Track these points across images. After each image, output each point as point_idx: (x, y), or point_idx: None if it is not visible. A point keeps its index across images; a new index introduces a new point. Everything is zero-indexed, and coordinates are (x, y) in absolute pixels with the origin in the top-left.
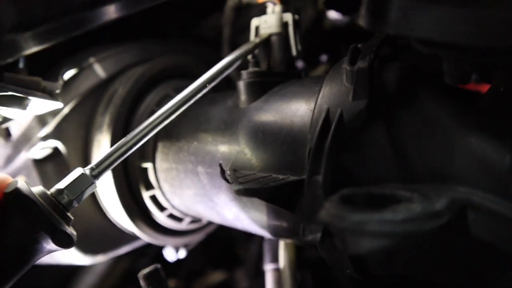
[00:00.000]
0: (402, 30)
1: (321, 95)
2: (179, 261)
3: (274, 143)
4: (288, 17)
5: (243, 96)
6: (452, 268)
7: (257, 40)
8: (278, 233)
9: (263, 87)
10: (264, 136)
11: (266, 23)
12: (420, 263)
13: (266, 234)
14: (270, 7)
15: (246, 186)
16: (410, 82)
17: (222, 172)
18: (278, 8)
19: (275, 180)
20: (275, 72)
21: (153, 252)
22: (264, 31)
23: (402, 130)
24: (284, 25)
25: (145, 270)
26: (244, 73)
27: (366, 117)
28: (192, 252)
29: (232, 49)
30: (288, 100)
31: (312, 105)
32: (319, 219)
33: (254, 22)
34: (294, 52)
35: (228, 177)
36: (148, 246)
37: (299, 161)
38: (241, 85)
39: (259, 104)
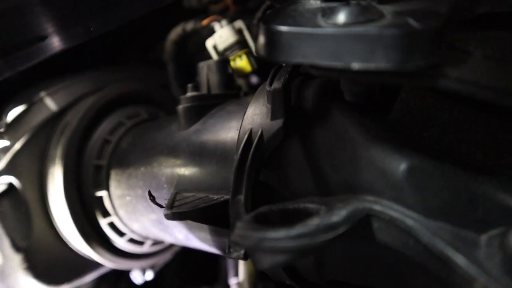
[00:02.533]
0: (291, 58)
1: (245, 116)
2: (157, 281)
3: (209, 164)
4: (240, 24)
5: (182, 121)
6: (379, 275)
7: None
8: (224, 250)
9: (201, 110)
10: (201, 158)
11: (222, 37)
12: (348, 270)
13: (215, 251)
14: (217, 25)
15: (174, 210)
16: (325, 99)
17: (152, 198)
18: (225, 21)
19: (207, 201)
20: (213, 94)
21: None
22: (223, 45)
23: (317, 145)
24: (239, 31)
25: None
26: (182, 99)
27: (284, 135)
28: (170, 271)
29: (180, 82)
30: (222, 121)
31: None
32: (231, 239)
33: (209, 42)
34: (256, 53)
35: (164, 202)
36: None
37: (231, 180)
38: (180, 110)
39: (197, 127)
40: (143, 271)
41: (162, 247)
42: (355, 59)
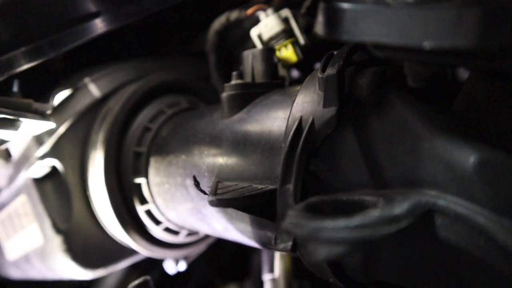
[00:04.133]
0: (355, 36)
1: (295, 103)
2: (187, 273)
3: (253, 153)
4: (286, 12)
5: (226, 109)
6: (435, 278)
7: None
8: (264, 243)
9: (245, 98)
10: (245, 147)
11: (267, 26)
12: (399, 270)
13: (254, 244)
14: (262, 14)
15: (219, 197)
16: (382, 87)
17: (197, 184)
18: (270, 10)
19: (251, 190)
20: (258, 83)
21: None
22: (268, 35)
23: (372, 135)
24: (285, 20)
25: (134, 283)
26: (227, 86)
27: (337, 124)
28: (200, 264)
29: (221, 73)
30: (268, 110)
31: (288, 113)
32: (282, 228)
33: (254, 32)
34: (302, 41)
35: (208, 189)
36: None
37: (277, 170)
38: (224, 98)
39: (241, 116)
40: (176, 261)
41: (196, 238)
42: (428, 38)
